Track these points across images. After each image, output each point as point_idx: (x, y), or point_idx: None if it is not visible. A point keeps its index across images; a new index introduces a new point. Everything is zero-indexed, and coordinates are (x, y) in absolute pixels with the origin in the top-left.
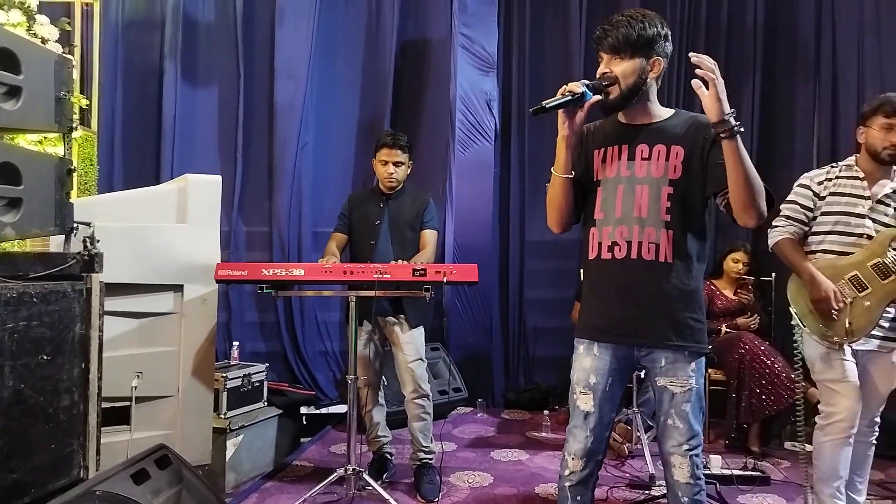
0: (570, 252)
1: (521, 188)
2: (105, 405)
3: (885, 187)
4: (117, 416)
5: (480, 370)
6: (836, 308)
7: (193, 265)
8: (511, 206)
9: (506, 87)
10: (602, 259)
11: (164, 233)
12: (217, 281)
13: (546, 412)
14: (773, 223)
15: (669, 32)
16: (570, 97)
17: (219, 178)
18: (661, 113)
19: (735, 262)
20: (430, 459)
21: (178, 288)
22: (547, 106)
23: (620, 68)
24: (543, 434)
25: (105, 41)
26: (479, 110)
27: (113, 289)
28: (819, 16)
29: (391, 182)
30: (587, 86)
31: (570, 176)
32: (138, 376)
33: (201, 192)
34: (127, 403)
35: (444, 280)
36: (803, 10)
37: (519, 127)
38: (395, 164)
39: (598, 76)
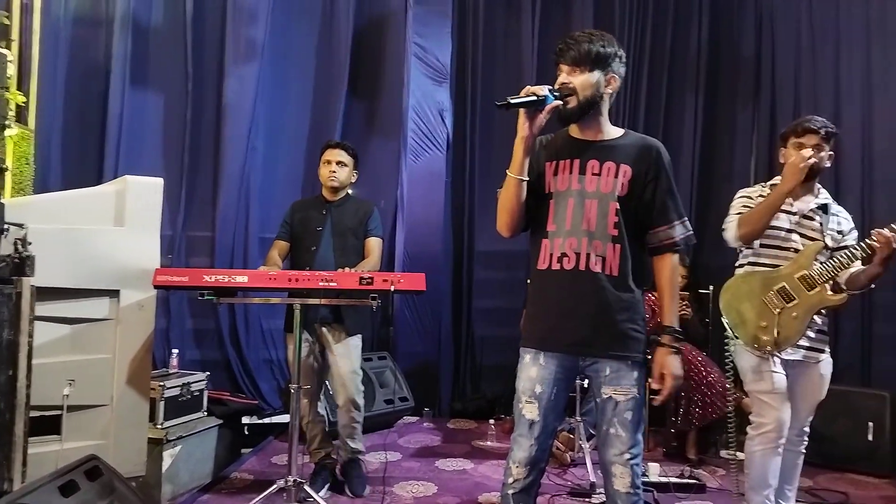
0: (519, 262)
1: (472, 198)
2: (34, 414)
3: (809, 203)
4: (48, 425)
5: (428, 379)
6: (807, 157)
7: (131, 270)
8: (462, 216)
9: (458, 97)
10: (552, 269)
11: (101, 236)
12: (155, 287)
13: (491, 421)
14: (724, 224)
15: (624, 55)
16: (533, 98)
17: (160, 180)
18: (612, 132)
19: None
20: (358, 457)
21: (114, 293)
22: (512, 101)
23: (579, 80)
24: (489, 443)
25: (46, 37)
26: (432, 120)
27: (45, 293)
28: (759, 42)
29: (333, 181)
30: (549, 90)
31: (525, 178)
32: (70, 384)
33: (141, 194)
34: (58, 412)
35: (392, 289)
36: (744, 37)
37: (471, 138)
38: (338, 163)
39: (558, 85)
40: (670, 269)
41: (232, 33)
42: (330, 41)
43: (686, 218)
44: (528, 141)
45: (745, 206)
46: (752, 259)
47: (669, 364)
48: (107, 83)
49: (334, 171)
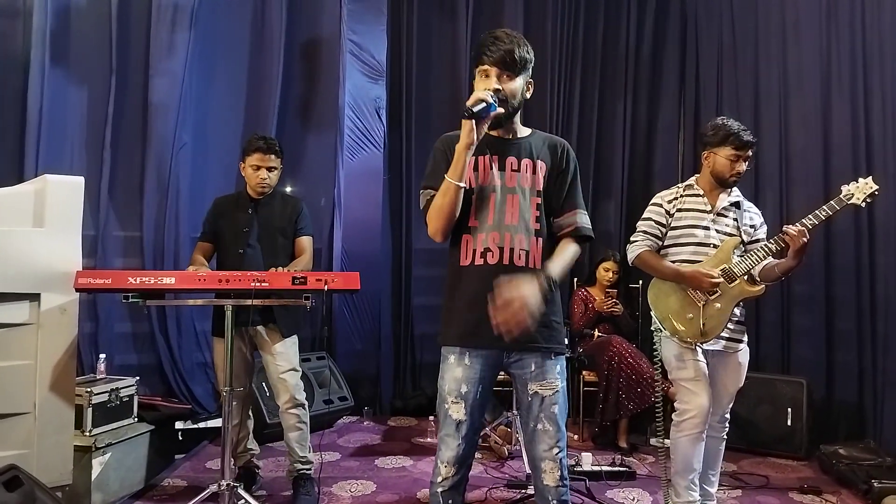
0: None
1: (409, 196)
2: None
3: (723, 201)
4: None
5: (368, 378)
6: (716, 275)
7: (51, 272)
8: (400, 214)
9: (393, 95)
10: (475, 265)
11: (19, 237)
12: (77, 290)
13: (431, 418)
14: (632, 238)
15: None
16: (483, 105)
17: (80, 179)
18: (523, 130)
19: (606, 271)
20: (308, 470)
21: (34, 297)
22: (474, 110)
23: (511, 86)
24: (429, 439)
25: None
26: (368, 117)
27: None
28: (684, 44)
29: (264, 188)
30: (493, 97)
31: (465, 185)
32: None
33: (61, 194)
34: None
35: (326, 288)
36: (670, 38)
37: (407, 135)
38: (269, 168)
39: (491, 90)
40: (568, 247)
41: (158, 26)
42: (262, 36)
43: (587, 213)
44: (473, 147)
45: (652, 227)
46: (674, 257)
47: (521, 281)
48: (26, 77)
49: (265, 178)
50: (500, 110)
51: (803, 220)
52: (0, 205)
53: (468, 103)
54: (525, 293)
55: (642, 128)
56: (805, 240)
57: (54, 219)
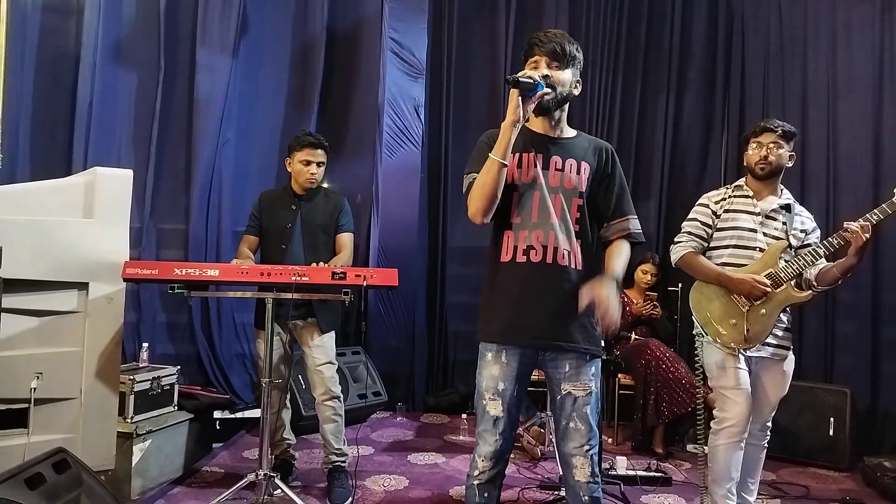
0: None
1: (446, 194)
2: (1, 407)
3: (772, 203)
4: (14, 418)
5: (401, 374)
6: (767, 284)
7: (100, 262)
8: (436, 212)
9: (433, 93)
10: (517, 262)
11: (70, 228)
12: (124, 279)
13: (464, 416)
14: (676, 239)
15: None
16: (530, 81)
17: (129, 172)
18: (569, 131)
19: (644, 273)
20: (343, 462)
21: (82, 286)
22: (521, 79)
23: (560, 76)
24: (461, 437)
25: (14, 24)
26: (407, 115)
27: (12, 285)
28: (730, 42)
29: (312, 182)
30: (541, 78)
31: (507, 163)
32: (38, 377)
33: (110, 186)
34: (25, 406)
35: (364, 284)
36: (715, 36)
37: (445, 134)
38: (318, 164)
39: (540, 76)
40: (623, 247)
41: (205, 25)
42: (304, 34)
43: (636, 217)
44: (518, 125)
45: (697, 227)
46: (718, 259)
47: (603, 286)
48: (76, 73)
49: (315, 174)
50: (547, 90)
51: (867, 216)
52: (51, 196)
53: (516, 75)
54: (611, 296)
55: (684, 127)
56: (868, 236)
57: (103, 210)
